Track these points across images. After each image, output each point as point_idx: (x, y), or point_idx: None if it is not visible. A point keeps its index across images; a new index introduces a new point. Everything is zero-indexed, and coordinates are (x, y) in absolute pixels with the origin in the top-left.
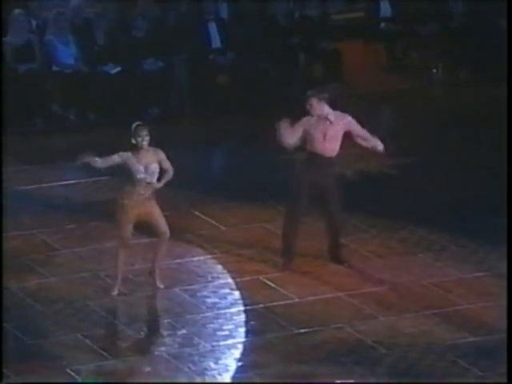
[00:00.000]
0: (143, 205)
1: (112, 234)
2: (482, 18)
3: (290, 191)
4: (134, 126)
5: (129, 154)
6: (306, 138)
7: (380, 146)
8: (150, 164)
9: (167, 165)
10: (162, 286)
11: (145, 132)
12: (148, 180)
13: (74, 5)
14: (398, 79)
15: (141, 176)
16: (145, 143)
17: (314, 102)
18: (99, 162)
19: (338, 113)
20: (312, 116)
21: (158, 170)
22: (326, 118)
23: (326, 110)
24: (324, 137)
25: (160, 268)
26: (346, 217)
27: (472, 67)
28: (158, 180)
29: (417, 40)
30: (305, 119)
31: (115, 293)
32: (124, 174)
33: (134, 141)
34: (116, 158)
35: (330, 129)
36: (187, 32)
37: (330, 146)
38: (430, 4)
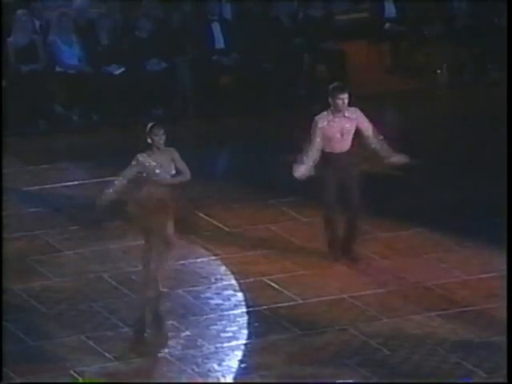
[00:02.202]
0: (160, 210)
1: (117, 235)
2: (486, 18)
3: (320, 195)
4: (149, 125)
5: (144, 155)
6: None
7: (398, 160)
8: (165, 164)
9: (182, 165)
10: (164, 290)
11: (161, 131)
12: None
13: (77, 5)
14: (401, 80)
15: (159, 177)
16: (162, 142)
17: (347, 97)
18: (117, 186)
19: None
20: (331, 113)
21: (173, 170)
22: (343, 115)
23: None
24: (342, 134)
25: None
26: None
27: (476, 68)
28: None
29: (421, 41)
30: (319, 120)
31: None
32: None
33: (149, 140)
34: (134, 169)
35: (346, 125)
36: (191, 33)
37: (346, 142)
38: (435, 5)
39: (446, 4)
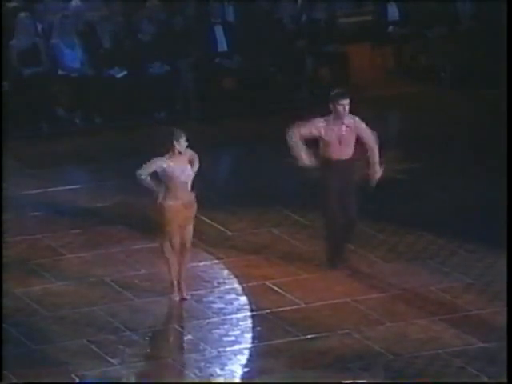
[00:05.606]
0: (185, 211)
1: (119, 239)
2: (490, 20)
3: (320, 202)
4: (172, 129)
5: (164, 158)
6: (319, 143)
7: (375, 176)
8: (185, 166)
9: (195, 169)
10: (188, 297)
11: (184, 135)
12: (186, 181)
13: (75, 8)
14: (405, 83)
15: (181, 179)
16: (185, 147)
17: (348, 103)
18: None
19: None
20: (330, 119)
21: (192, 172)
22: (342, 122)
23: None
24: (340, 142)
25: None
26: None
27: (480, 70)
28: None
29: (424, 43)
30: (319, 123)
31: (177, 298)
32: (133, 177)
33: (176, 144)
34: (153, 167)
35: (344, 132)
36: (193, 35)
37: (345, 150)
38: (438, 7)
39: (449, 6)
